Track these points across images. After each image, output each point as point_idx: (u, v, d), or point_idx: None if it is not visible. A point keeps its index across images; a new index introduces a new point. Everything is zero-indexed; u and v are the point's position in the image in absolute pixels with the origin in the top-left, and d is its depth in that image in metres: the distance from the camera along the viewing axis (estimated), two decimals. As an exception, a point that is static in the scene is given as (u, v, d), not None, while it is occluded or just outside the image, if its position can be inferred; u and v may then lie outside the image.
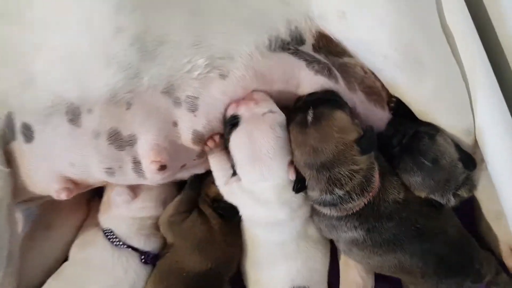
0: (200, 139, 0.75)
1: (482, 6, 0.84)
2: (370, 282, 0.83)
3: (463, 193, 0.77)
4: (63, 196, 0.75)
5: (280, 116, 0.74)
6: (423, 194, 0.76)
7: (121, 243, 0.81)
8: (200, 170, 0.83)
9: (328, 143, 0.70)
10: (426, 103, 0.77)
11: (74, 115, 0.70)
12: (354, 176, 0.70)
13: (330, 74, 0.77)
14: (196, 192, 0.84)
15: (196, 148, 0.76)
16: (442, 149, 0.75)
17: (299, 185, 0.73)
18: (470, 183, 0.78)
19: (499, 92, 0.76)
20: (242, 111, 0.73)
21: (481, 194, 0.84)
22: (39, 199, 0.81)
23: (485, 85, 0.76)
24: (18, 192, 0.75)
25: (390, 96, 0.81)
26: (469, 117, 0.77)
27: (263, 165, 0.72)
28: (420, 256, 0.74)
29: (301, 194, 0.75)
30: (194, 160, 0.79)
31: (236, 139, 0.73)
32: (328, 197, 0.72)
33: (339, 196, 0.71)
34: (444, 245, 0.75)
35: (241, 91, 0.75)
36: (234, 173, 0.76)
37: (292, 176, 0.73)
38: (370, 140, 0.71)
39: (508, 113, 0.76)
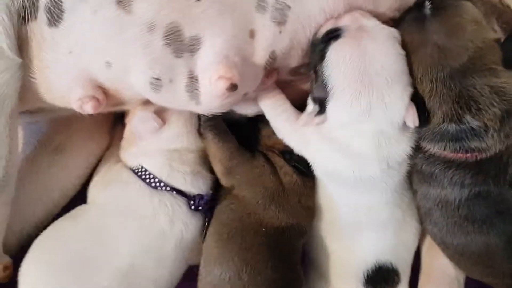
0: (271, 65, 0.58)
1: None
2: (462, 275, 0.66)
3: None
4: (87, 107, 0.54)
5: (397, 33, 0.56)
6: None
7: (161, 184, 0.60)
8: (247, 110, 0.65)
9: (460, 38, 0.53)
10: None
11: None
12: (496, 98, 0.52)
13: None
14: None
15: (262, 76, 0.59)
16: None
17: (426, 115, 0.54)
18: None
19: None
20: (345, 22, 0.56)
21: None
22: (51, 111, 0.61)
23: None
24: (27, 95, 0.55)
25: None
26: None
27: (374, 92, 0.53)
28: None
29: (404, 149, 0.57)
30: (254, 91, 0.61)
31: (339, 53, 0.54)
32: (451, 128, 0.54)
33: (470, 128, 0.53)
34: None
35: (346, 8, 0.57)
36: (321, 110, 0.56)
37: (413, 122, 0.54)
38: None
39: None
